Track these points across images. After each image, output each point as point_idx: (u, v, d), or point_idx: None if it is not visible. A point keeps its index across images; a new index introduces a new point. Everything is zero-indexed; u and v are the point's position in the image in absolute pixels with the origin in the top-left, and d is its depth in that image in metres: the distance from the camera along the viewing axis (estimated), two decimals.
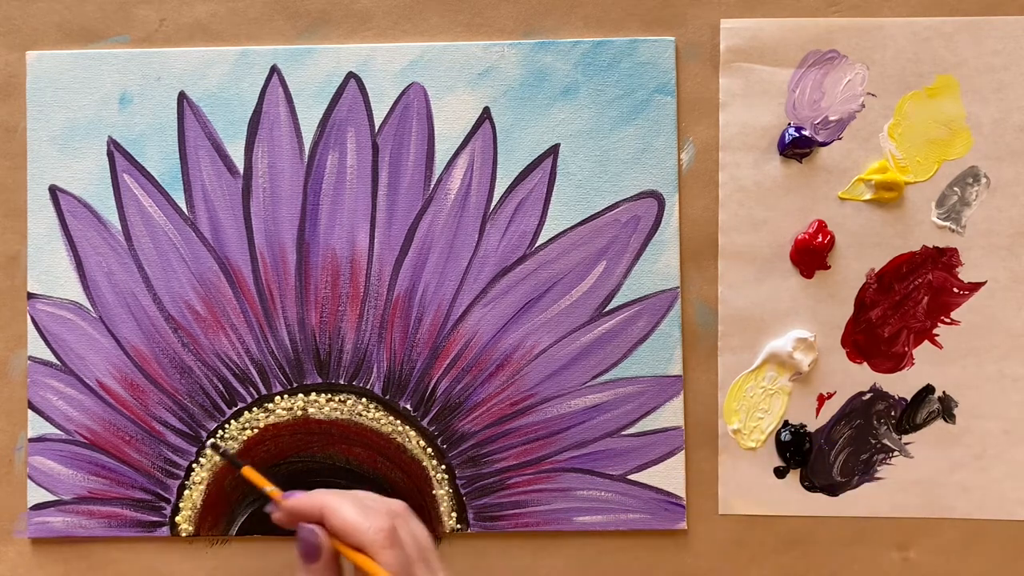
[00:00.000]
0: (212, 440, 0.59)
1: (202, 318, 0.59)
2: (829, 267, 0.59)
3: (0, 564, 0.60)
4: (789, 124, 0.59)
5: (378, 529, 0.47)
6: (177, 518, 0.59)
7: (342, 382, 0.59)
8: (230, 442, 0.59)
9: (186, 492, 0.59)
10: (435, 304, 0.59)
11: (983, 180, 0.59)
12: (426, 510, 0.59)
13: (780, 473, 0.59)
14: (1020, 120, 0.58)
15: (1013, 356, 0.59)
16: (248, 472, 0.54)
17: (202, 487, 0.59)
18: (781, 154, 0.59)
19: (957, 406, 0.59)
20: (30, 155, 0.59)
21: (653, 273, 0.59)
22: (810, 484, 0.59)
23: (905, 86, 0.59)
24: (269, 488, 0.52)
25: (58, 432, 0.59)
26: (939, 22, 0.59)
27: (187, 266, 0.59)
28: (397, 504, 0.51)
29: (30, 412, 0.59)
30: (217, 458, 0.59)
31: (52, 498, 0.59)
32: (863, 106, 0.59)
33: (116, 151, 0.59)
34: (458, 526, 0.59)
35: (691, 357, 0.59)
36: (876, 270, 0.59)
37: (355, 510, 0.48)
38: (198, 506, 0.59)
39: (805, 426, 0.59)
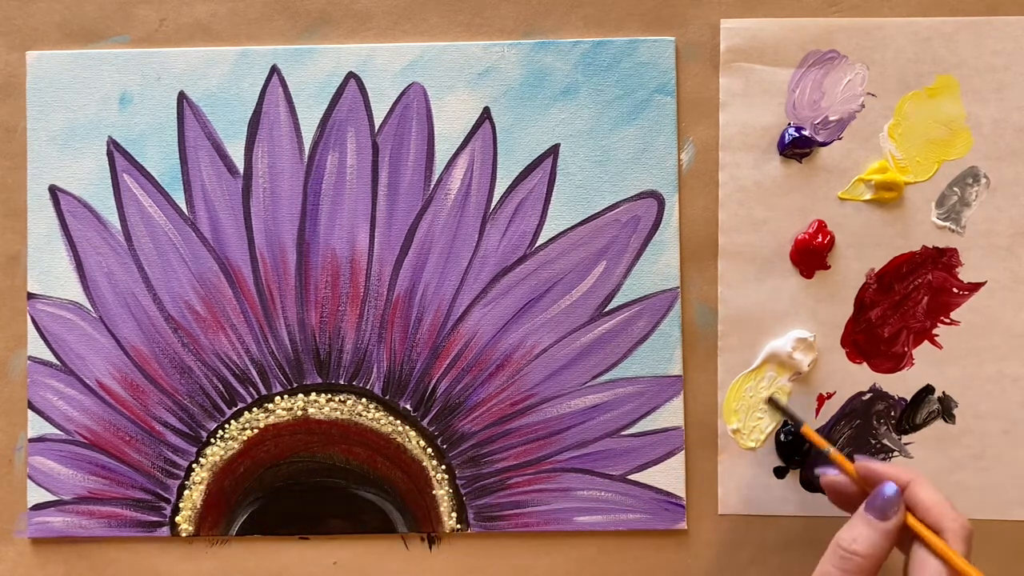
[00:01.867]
0: (770, 395, 0.58)
1: (202, 318, 0.59)
2: (829, 267, 0.59)
3: (0, 564, 0.60)
4: (789, 124, 0.59)
5: (964, 524, 0.47)
6: (177, 518, 0.59)
7: (342, 382, 0.59)
8: (229, 442, 0.59)
9: (186, 492, 0.59)
10: (435, 304, 0.59)
11: (983, 180, 0.59)
12: (426, 510, 0.59)
13: (780, 473, 0.59)
14: (1020, 120, 0.58)
15: (1013, 356, 0.59)
16: (807, 431, 0.55)
17: (202, 487, 0.59)
18: (781, 154, 0.59)
19: (957, 406, 0.59)
20: (30, 155, 0.59)
21: (653, 273, 0.59)
22: (810, 484, 0.59)
23: (905, 86, 0.59)
24: (828, 448, 0.53)
25: (58, 432, 0.59)
26: (939, 22, 0.59)
27: (187, 266, 0.59)
28: None
29: (30, 412, 0.59)
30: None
31: (52, 498, 0.59)
32: (863, 106, 0.59)
33: (116, 151, 0.59)
34: (458, 526, 0.59)
35: (691, 357, 0.59)
36: (876, 270, 0.59)
37: (942, 496, 0.48)
38: (198, 506, 0.59)
39: None
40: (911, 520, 0.48)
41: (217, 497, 0.60)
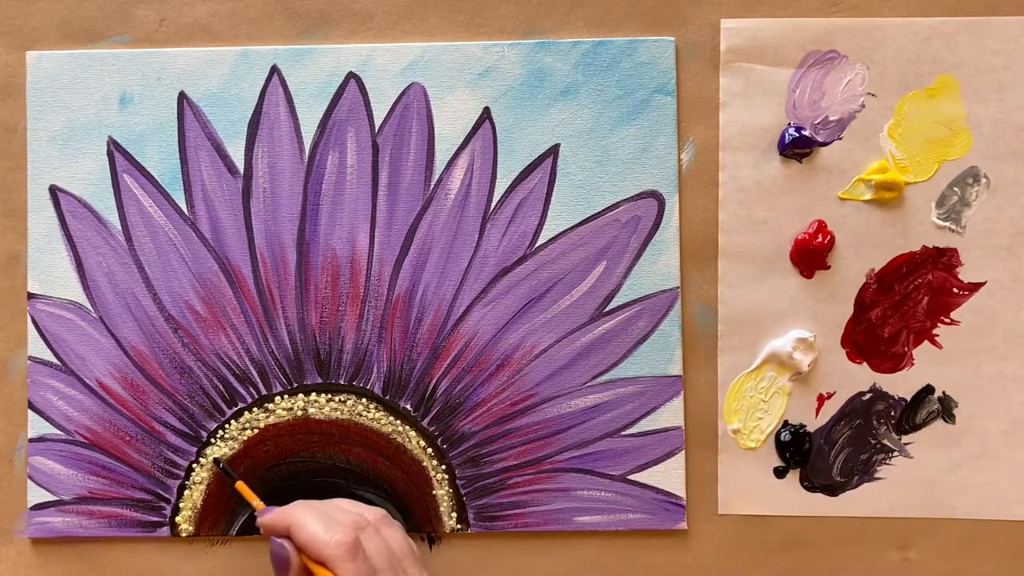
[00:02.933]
0: (215, 456, 0.59)
1: (202, 318, 0.59)
2: (829, 267, 0.59)
3: (0, 564, 0.60)
4: (789, 124, 0.59)
5: (338, 543, 0.49)
6: (177, 518, 0.59)
7: (342, 382, 0.59)
8: (230, 443, 0.59)
9: (186, 492, 0.59)
10: (435, 304, 0.59)
11: (983, 180, 0.59)
12: (426, 510, 0.59)
13: (780, 473, 0.59)
14: (1020, 120, 0.58)
15: (1013, 356, 0.59)
16: (240, 487, 0.56)
17: (202, 487, 0.59)
18: (781, 154, 0.59)
19: (957, 406, 0.59)
20: (30, 155, 0.59)
21: (653, 273, 0.59)
22: (810, 484, 0.59)
23: (905, 86, 0.59)
24: (255, 503, 0.55)
25: (58, 432, 0.59)
26: (939, 22, 0.59)
27: (187, 266, 0.59)
28: (372, 513, 0.52)
29: (30, 412, 0.59)
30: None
31: (52, 498, 0.59)
32: (863, 106, 0.59)
33: (116, 151, 0.59)
34: (458, 526, 0.59)
35: (691, 357, 0.59)
36: (876, 270, 0.59)
37: (318, 524, 0.50)
38: (198, 506, 0.59)
39: (805, 426, 0.59)
40: (306, 561, 0.50)
41: (217, 497, 0.60)
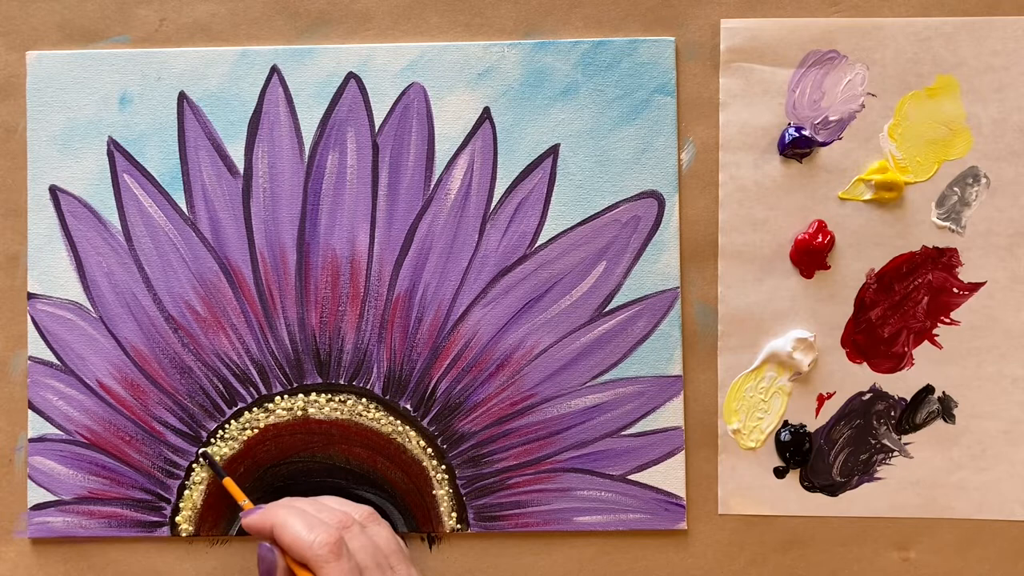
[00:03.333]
0: (203, 449, 0.59)
1: (202, 318, 0.59)
2: (829, 267, 0.59)
3: (0, 564, 0.60)
4: (789, 124, 0.59)
5: (322, 544, 0.48)
6: (177, 518, 0.59)
7: (342, 382, 0.59)
8: (230, 443, 0.59)
9: (186, 492, 0.59)
10: (435, 304, 0.59)
11: (983, 180, 0.59)
12: (426, 510, 0.59)
13: (780, 473, 0.59)
14: (1020, 120, 0.58)
15: (1013, 356, 0.59)
16: (228, 484, 0.57)
17: (202, 487, 0.59)
18: (781, 154, 0.59)
19: (957, 406, 0.59)
20: (30, 155, 0.59)
21: (653, 273, 0.59)
22: (810, 484, 0.59)
23: (905, 86, 0.59)
24: (243, 501, 0.56)
25: (58, 432, 0.59)
26: (939, 22, 0.59)
27: (187, 266, 0.59)
28: (359, 511, 0.53)
29: (30, 412, 0.59)
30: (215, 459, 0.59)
31: (52, 498, 0.59)
32: (863, 106, 0.59)
33: (116, 151, 0.59)
34: (458, 526, 0.59)
35: (691, 357, 0.59)
36: (876, 270, 0.59)
37: (301, 525, 0.49)
38: (198, 506, 0.59)
39: (805, 426, 0.59)
40: (290, 563, 0.50)
41: (217, 497, 0.60)
